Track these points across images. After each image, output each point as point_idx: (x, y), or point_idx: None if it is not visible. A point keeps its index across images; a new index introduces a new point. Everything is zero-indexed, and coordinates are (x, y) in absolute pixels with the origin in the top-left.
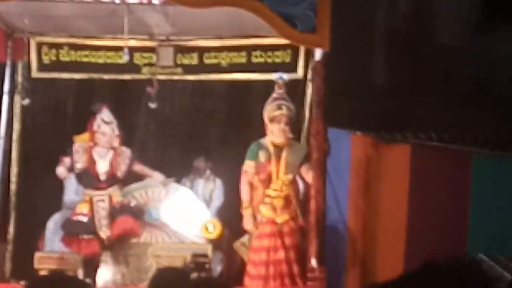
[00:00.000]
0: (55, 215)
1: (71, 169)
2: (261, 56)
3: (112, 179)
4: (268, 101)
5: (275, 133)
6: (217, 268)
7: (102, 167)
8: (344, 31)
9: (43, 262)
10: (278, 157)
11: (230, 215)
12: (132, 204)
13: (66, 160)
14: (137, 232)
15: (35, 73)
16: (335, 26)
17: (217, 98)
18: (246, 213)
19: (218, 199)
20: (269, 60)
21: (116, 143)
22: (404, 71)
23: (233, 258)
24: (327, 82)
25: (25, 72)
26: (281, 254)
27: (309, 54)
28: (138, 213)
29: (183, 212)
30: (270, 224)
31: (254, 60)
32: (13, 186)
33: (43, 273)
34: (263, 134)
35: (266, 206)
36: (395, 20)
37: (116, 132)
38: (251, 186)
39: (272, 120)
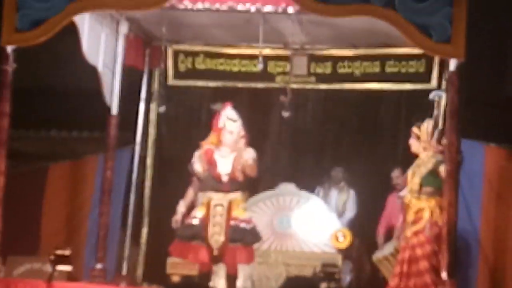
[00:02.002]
0: None
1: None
2: (395, 66)
3: (234, 183)
4: (432, 118)
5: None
6: (347, 278)
7: (224, 168)
8: (480, 41)
9: (175, 268)
10: (414, 172)
11: (362, 225)
12: (250, 226)
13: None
14: (249, 261)
15: (171, 81)
16: (470, 36)
17: (350, 107)
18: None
19: (351, 210)
20: (403, 70)
21: (241, 143)
22: None
23: (363, 268)
24: (461, 93)
25: (162, 79)
26: (405, 267)
27: (443, 64)
28: (253, 238)
29: (313, 221)
30: (404, 238)
31: (387, 69)
32: (146, 191)
33: (175, 278)
34: (396, 145)
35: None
36: None
37: (242, 132)
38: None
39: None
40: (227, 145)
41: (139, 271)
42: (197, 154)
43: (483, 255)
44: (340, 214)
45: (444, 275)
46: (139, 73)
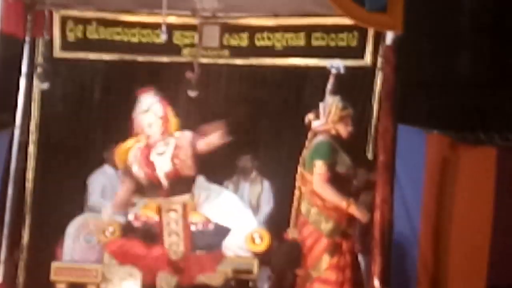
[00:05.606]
0: (77, 219)
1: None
2: (323, 39)
3: (178, 182)
4: (328, 93)
5: (340, 134)
6: (263, 287)
7: (162, 168)
8: (421, 11)
9: (61, 274)
10: None
11: (281, 224)
12: (212, 226)
13: None
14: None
15: (57, 53)
16: (410, 5)
17: (270, 87)
18: None
19: (267, 204)
20: (332, 44)
21: (166, 124)
22: (492, 60)
23: (284, 276)
24: (399, 71)
25: (46, 51)
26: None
27: (379, 38)
28: (220, 238)
29: (226, 220)
30: None
31: (314, 43)
32: (29, 184)
33: (60, 286)
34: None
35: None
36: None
37: (160, 112)
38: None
39: (340, 119)
40: (155, 138)
41: (20, 279)
42: (132, 154)
43: (422, 260)
44: (255, 211)
45: (376, 283)
46: (20, 43)
